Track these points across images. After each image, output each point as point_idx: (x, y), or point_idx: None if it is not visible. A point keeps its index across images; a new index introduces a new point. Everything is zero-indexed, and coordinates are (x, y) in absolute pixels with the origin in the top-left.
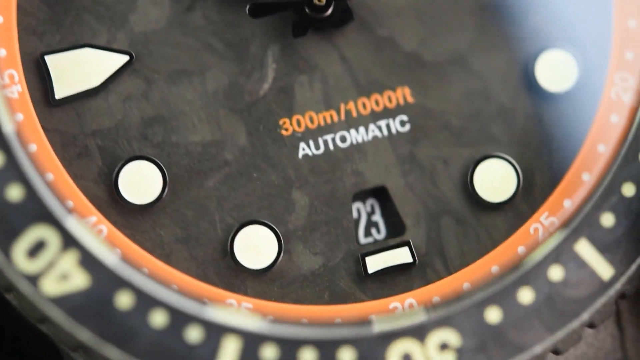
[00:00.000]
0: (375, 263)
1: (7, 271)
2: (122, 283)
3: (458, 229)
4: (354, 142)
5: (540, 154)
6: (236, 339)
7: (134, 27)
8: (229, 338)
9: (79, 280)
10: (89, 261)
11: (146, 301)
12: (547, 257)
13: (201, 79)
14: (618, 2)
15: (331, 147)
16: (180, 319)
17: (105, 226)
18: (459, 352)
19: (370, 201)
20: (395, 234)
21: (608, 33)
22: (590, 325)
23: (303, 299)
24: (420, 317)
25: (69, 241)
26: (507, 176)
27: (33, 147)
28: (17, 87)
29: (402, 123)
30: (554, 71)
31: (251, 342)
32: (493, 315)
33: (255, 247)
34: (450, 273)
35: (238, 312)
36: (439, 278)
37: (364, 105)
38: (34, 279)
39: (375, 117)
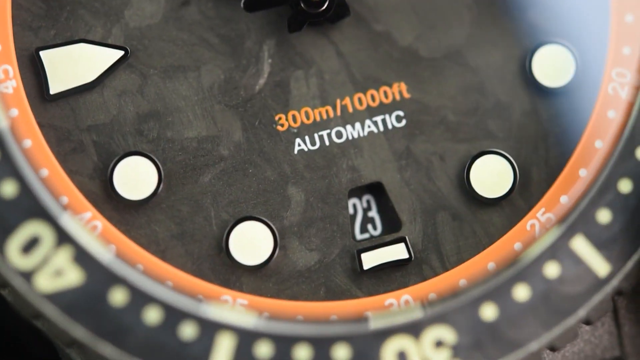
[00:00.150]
0: (370, 259)
1: (1, 267)
2: (116, 279)
3: (454, 225)
4: (350, 137)
5: (537, 150)
6: (230, 335)
7: (129, 22)
8: (223, 335)
9: (73, 276)
10: (83, 257)
11: (140, 298)
12: (543, 254)
13: (196, 74)
14: None
15: (327, 142)
16: (174, 315)
17: (100, 222)
18: (454, 349)
19: (367, 197)
20: (391, 230)
21: (605, 28)
22: (587, 322)
23: (299, 295)
24: (416, 314)
25: (63, 237)
26: (504, 172)
27: (28, 143)
28: (12, 82)
29: (398, 118)
30: (551, 66)
31: (245, 339)
32: (488, 312)
33: (251, 243)
34: (446, 269)
35: (232, 309)
36: (435, 274)
37: (360, 101)
38: (28, 275)
39: (371, 112)
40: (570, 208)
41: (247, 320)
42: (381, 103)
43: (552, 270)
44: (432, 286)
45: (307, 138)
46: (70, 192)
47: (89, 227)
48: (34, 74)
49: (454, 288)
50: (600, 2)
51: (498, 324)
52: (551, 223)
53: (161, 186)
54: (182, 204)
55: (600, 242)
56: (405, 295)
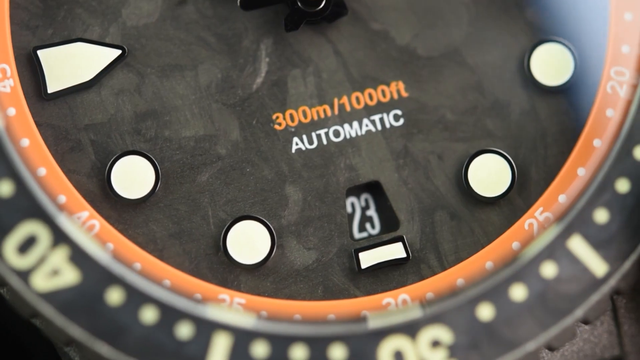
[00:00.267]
0: (368, 258)
1: None
2: (113, 279)
3: (452, 224)
4: (348, 136)
5: (536, 149)
6: (227, 335)
7: (127, 21)
8: (220, 334)
9: (69, 276)
10: (79, 257)
11: (137, 297)
12: (540, 254)
13: (194, 73)
14: None
15: (324, 141)
16: (170, 315)
17: (98, 221)
18: (451, 349)
19: (365, 196)
20: (389, 229)
21: (604, 26)
22: (585, 321)
23: (296, 295)
24: (414, 313)
25: (60, 237)
26: (502, 171)
27: (25, 142)
28: (9, 81)
29: (396, 117)
30: (549, 65)
31: (242, 339)
32: (485, 312)
33: (248, 242)
34: (444, 268)
35: (229, 308)
36: (433, 274)
37: (358, 100)
38: (24, 275)
39: (369, 111)
40: (568, 207)
41: (243, 320)
42: (379, 102)
43: (549, 270)
44: (430, 285)
45: (304, 137)
46: (67, 191)
47: (87, 226)
48: (31, 73)
49: (451, 288)
50: (600, 1)
51: (495, 324)
52: (549, 222)
53: (159, 185)
54: (179, 203)
55: (597, 242)
56: (402, 294)
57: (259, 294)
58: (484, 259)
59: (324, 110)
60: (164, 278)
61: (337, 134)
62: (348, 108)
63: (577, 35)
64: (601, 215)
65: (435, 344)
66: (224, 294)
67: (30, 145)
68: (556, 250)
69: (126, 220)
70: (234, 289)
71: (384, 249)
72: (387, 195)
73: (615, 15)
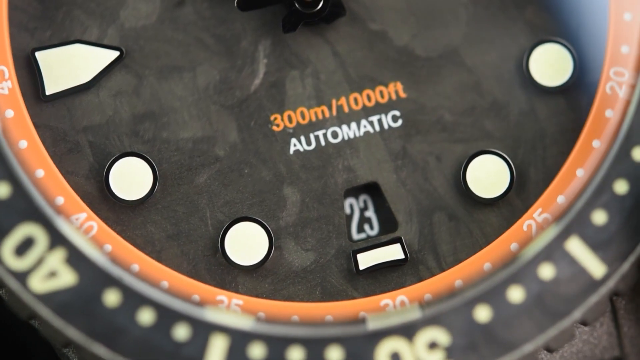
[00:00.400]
0: (366, 260)
1: None
2: (110, 281)
3: (451, 225)
4: (346, 137)
5: (535, 149)
6: (224, 337)
7: (125, 23)
8: (217, 336)
9: (66, 277)
10: (76, 259)
11: (134, 299)
12: (538, 255)
13: (192, 75)
14: None
15: (322, 142)
16: (167, 316)
17: (96, 222)
18: (448, 350)
19: (364, 197)
20: (388, 230)
21: (604, 27)
22: (583, 323)
23: (294, 296)
24: (412, 315)
25: (57, 239)
26: (501, 172)
27: (23, 144)
28: (8, 83)
29: (395, 118)
30: (548, 65)
31: (239, 341)
32: (483, 313)
33: (247, 243)
34: (443, 270)
35: (227, 310)
36: (432, 275)
37: (356, 101)
38: (22, 276)
39: (367, 112)
40: (567, 209)
41: (240, 321)
42: (377, 103)
43: (547, 271)
44: (428, 287)
45: (302, 138)
46: (65, 192)
47: (85, 227)
48: (29, 75)
49: (450, 289)
50: (599, 1)
51: (492, 326)
52: (548, 223)
53: (157, 187)
54: (177, 205)
55: (595, 243)
56: (400, 296)
57: (257, 295)
58: (483, 260)
59: (322, 112)
60: (162, 279)
61: (335, 135)
62: (346, 109)
63: (576, 35)
64: (599, 217)
65: (433, 345)
66: (222, 295)
67: (29, 146)
68: (554, 251)
69: (124, 222)
70: (232, 291)
71: (382, 250)
72: (385, 197)
73: (615, 15)
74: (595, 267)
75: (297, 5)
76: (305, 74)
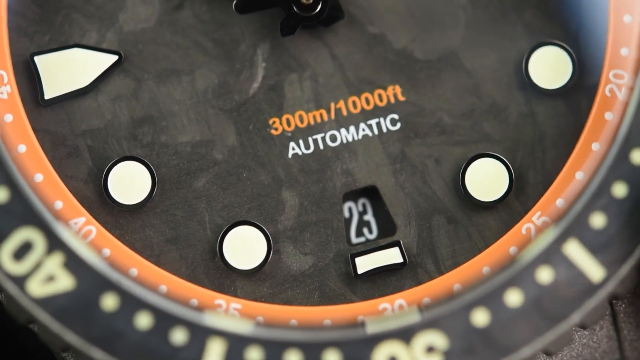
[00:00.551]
0: (365, 264)
1: None
2: (108, 285)
3: (450, 228)
4: (344, 141)
5: (534, 152)
6: (221, 341)
7: (124, 27)
8: (214, 340)
9: (64, 282)
10: (74, 263)
11: (131, 303)
12: (536, 258)
13: (190, 78)
14: None
15: (321, 146)
16: (165, 321)
17: (95, 227)
18: (446, 354)
19: (362, 200)
20: (386, 234)
21: (603, 29)
22: (582, 326)
23: (293, 300)
24: (411, 319)
25: (55, 243)
26: (500, 175)
27: (22, 148)
28: (7, 87)
29: (393, 121)
30: (547, 68)
31: (236, 345)
32: (480, 317)
33: (245, 247)
34: (441, 273)
35: (224, 314)
36: (430, 278)
37: (355, 104)
38: (20, 281)
39: (365, 115)
40: (566, 212)
41: (238, 325)
42: (376, 106)
43: (545, 275)
44: (427, 290)
45: (301, 142)
46: (64, 197)
47: (83, 232)
48: (28, 79)
49: (448, 293)
50: (599, 3)
51: (490, 330)
52: (547, 227)
53: (155, 191)
54: (176, 209)
55: (594, 247)
56: (399, 299)
57: (255, 299)
58: (481, 264)
59: (321, 115)
60: (160, 283)
61: (333, 138)
62: (345, 112)
63: (575, 38)
64: (598, 220)
65: (430, 349)
66: (221, 299)
67: (28, 151)
68: (552, 254)
69: (123, 226)
70: (230, 295)
71: (381, 254)
72: (384, 200)
73: (614, 17)
74: (593, 270)
75: (295, 8)
76: (304, 77)
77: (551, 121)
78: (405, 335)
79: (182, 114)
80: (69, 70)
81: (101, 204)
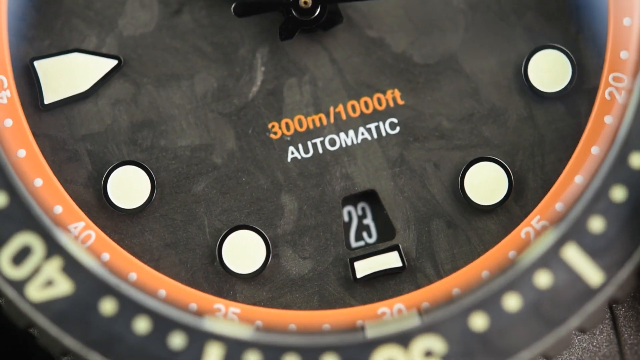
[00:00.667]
0: (364, 268)
1: None
2: (106, 289)
3: (449, 232)
4: (344, 145)
5: (533, 156)
6: (219, 345)
7: (123, 31)
8: (212, 345)
9: (62, 286)
10: (72, 268)
11: (130, 307)
12: (535, 262)
13: (190, 83)
14: (613, 0)
15: (320, 150)
16: (163, 325)
17: (94, 231)
18: (444, 359)
19: (362, 204)
20: (386, 238)
21: (603, 32)
22: (581, 330)
23: (292, 304)
24: (409, 323)
25: (53, 248)
26: (499, 178)
27: (22, 153)
28: (6, 92)
29: (392, 125)
30: (547, 71)
31: (234, 349)
32: (479, 321)
33: (244, 251)
34: (440, 277)
35: (223, 318)
36: (430, 282)
37: (354, 108)
38: (19, 285)
39: (364, 119)
40: (564, 215)
41: (236, 330)
42: (375, 110)
43: (543, 279)
44: (426, 295)
45: (300, 146)
46: (64, 201)
47: (83, 236)
48: (28, 84)
49: (447, 297)
50: (598, 5)
51: (489, 334)
52: (546, 231)
53: (155, 195)
54: (175, 213)
55: (593, 251)
56: (398, 304)
57: (254, 304)
58: (480, 268)
59: (320, 119)
60: (159, 288)
61: (332, 142)
62: (344, 116)
63: (575, 41)
64: (597, 223)
65: (429, 354)
66: (220, 303)
67: (27, 155)
68: (551, 258)
69: (122, 230)
70: (229, 299)
71: (380, 258)
72: (383, 204)
73: (614, 20)
74: (592, 274)
75: (294, 12)
76: (303, 81)
77: (551, 125)
78: (403, 339)
79: (181, 118)
80: (68, 74)
81: (101, 209)
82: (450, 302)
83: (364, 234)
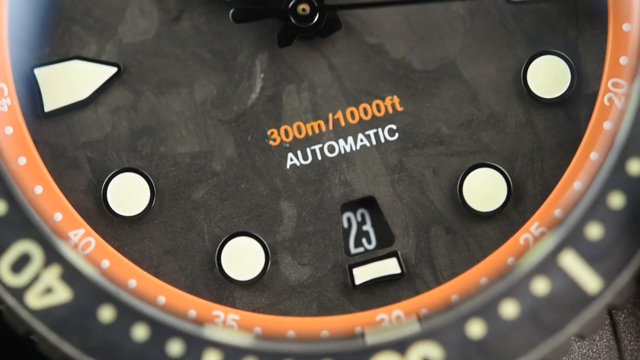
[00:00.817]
0: (362, 274)
1: None
2: (105, 297)
3: (448, 238)
4: (342, 151)
5: (532, 162)
6: (217, 352)
7: (123, 39)
8: (210, 352)
9: (61, 294)
10: (71, 275)
11: (128, 315)
12: (533, 269)
13: (189, 90)
14: (613, 6)
15: (319, 157)
16: (162, 332)
17: (94, 238)
18: None
19: (361, 211)
20: (385, 245)
21: (602, 38)
22: (580, 336)
23: (291, 310)
24: (408, 330)
25: (52, 256)
26: (498, 185)
27: (22, 160)
28: (7, 100)
29: (391, 132)
30: (546, 77)
31: (232, 356)
32: (476, 328)
33: (243, 258)
34: (439, 283)
35: (222, 325)
36: (428, 289)
37: (353, 115)
38: (18, 293)
39: (363, 126)
40: (563, 222)
41: (234, 337)
42: (374, 116)
43: (541, 286)
44: (425, 301)
45: (299, 153)
46: (64, 208)
47: (82, 243)
48: (28, 92)
49: (446, 303)
50: (598, 11)
51: (486, 341)
52: (544, 237)
53: (154, 202)
54: (175, 220)
55: (591, 257)
56: (396, 310)
57: (253, 310)
58: (479, 275)
59: (319, 126)
60: (159, 295)
61: (331, 149)
62: (343, 123)
63: (574, 46)
64: (595, 230)
65: None
66: (219, 310)
67: (28, 163)
68: (549, 265)
69: (122, 237)
70: (228, 305)
71: (378, 265)
72: (382, 211)
73: (613, 26)
74: (590, 281)
75: (292, 19)
76: (302, 88)
77: (550, 131)
78: (400, 346)
79: (181, 125)
80: (69, 82)
81: (100, 216)
82: (449, 309)
83: (363, 240)
